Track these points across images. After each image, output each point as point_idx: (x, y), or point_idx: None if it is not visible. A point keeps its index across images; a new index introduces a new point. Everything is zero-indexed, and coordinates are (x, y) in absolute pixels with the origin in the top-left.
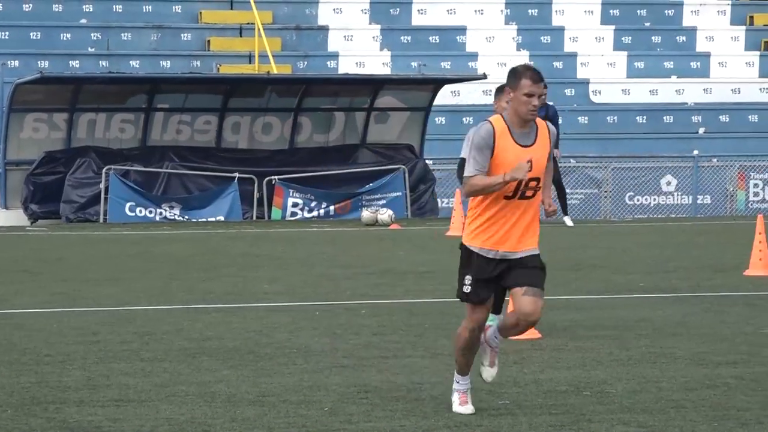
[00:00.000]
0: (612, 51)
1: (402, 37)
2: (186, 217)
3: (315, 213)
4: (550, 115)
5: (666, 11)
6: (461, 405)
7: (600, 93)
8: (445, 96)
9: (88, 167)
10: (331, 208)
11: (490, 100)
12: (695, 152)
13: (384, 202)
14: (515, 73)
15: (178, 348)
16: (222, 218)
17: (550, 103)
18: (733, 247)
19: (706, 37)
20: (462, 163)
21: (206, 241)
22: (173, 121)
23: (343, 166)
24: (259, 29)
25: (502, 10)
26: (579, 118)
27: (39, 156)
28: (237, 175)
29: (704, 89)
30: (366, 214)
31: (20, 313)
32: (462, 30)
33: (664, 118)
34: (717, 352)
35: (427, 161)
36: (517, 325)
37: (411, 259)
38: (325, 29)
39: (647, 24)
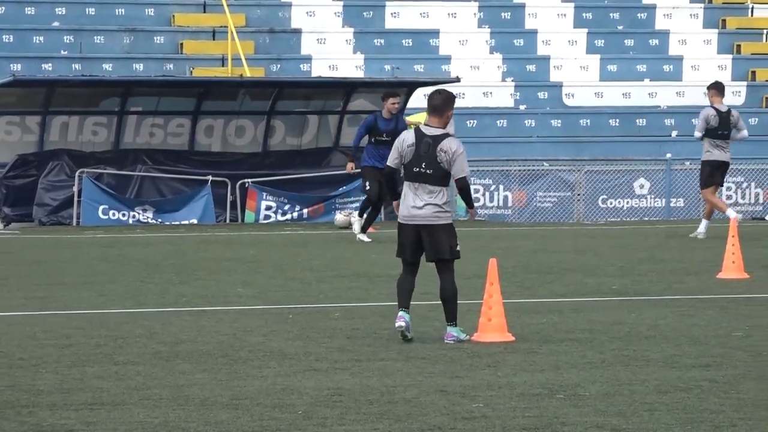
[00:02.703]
0: (585, 54)
1: (375, 40)
2: (159, 220)
3: (288, 216)
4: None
5: (639, 14)
6: None
7: (573, 96)
8: (418, 99)
9: (61, 170)
10: (305, 211)
11: (463, 103)
12: (668, 155)
13: (357, 205)
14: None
15: (151, 351)
16: (195, 221)
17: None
18: (706, 250)
19: (679, 41)
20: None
21: (179, 245)
22: (146, 124)
23: (316, 169)
24: (232, 32)
25: (475, 14)
26: (552, 121)
27: (12, 159)
28: (210, 178)
29: (677, 92)
30: (339, 217)
31: None
32: (435, 33)
33: (637, 121)
34: (690, 355)
35: None
36: None
37: (384, 262)
38: (298, 32)
39: (620, 27)
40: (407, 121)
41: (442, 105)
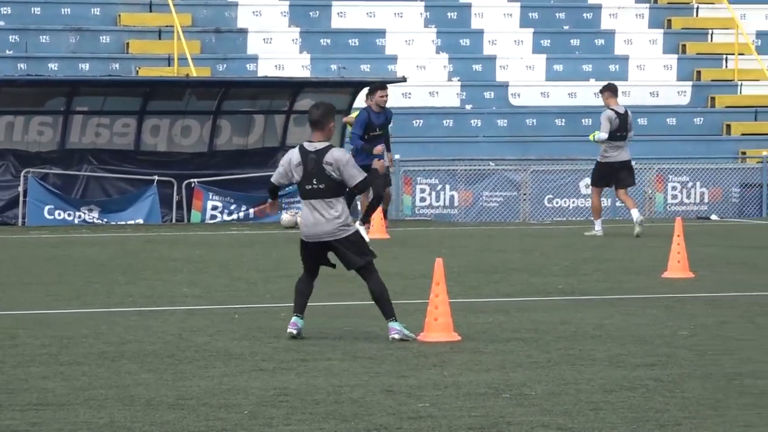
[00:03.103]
0: (531, 54)
1: (321, 40)
2: (105, 220)
3: (234, 216)
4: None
5: (584, 14)
6: None
7: (519, 96)
8: (364, 99)
9: (6, 170)
10: (251, 210)
11: (409, 103)
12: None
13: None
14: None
15: (97, 352)
16: (141, 221)
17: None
18: (651, 249)
19: (625, 41)
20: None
21: (125, 245)
22: (92, 124)
23: (262, 168)
24: (178, 32)
25: (421, 13)
26: (498, 120)
27: None
28: (156, 178)
29: (623, 92)
30: (286, 216)
31: None
32: (381, 33)
33: (583, 120)
34: (635, 354)
35: None
36: None
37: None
38: (244, 32)
39: (566, 27)
40: (344, 121)
41: (321, 118)
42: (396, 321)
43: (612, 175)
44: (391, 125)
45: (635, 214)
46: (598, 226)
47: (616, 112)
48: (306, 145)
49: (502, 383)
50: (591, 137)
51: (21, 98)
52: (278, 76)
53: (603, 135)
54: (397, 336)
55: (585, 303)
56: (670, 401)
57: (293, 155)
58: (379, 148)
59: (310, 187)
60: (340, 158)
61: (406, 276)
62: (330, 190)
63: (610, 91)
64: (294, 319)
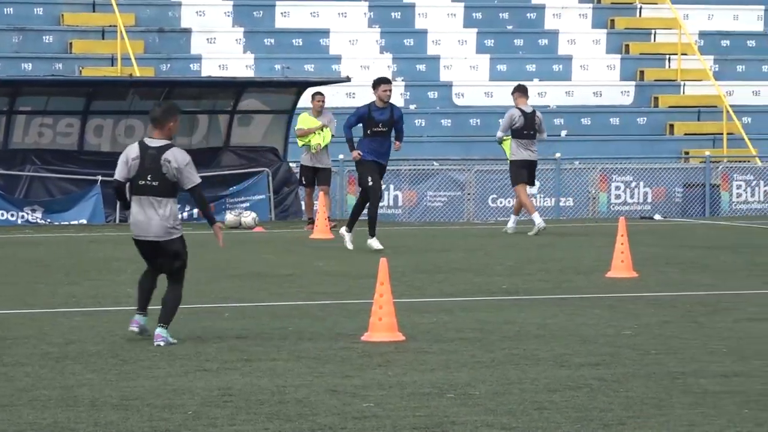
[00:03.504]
0: (475, 54)
1: (265, 40)
2: (48, 220)
3: (179, 216)
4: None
5: (528, 14)
6: None
7: (463, 96)
8: (308, 99)
9: None
10: (195, 211)
11: (353, 102)
12: (557, 155)
13: (248, 204)
14: None
15: (40, 352)
16: (85, 221)
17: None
18: (595, 249)
19: (568, 41)
20: None
21: (69, 245)
22: (35, 124)
23: (206, 168)
24: (121, 31)
25: (365, 13)
26: (442, 120)
27: None
28: (100, 178)
29: (566, 92)
30: (230, 216)
31: None
32: (325, 33)
33: None
34: (579, 353)
35: (290, 164)
36: None
37: (274, 261)
38: (188, 32)
39: (509, 27)
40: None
41: (161, 117)
42: (166, 329)
43: (522, 172)
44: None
45: (537, 219)
46: (537, 219)
47: (523, 111)
48: (146, 140)
49: (447, 383)
50: (500, 140)
51: None
52: (222, 76)
53: (499, 133)
54: (162, 343)
55: (529, 303)
56: (614, 400)
57: (131, 149)
58: (355, 155)
59: (143, 182)
60: (181, 158)
61: (351, 276)
62: (163, 188)
63: (519, 91)
64: (136, 316)
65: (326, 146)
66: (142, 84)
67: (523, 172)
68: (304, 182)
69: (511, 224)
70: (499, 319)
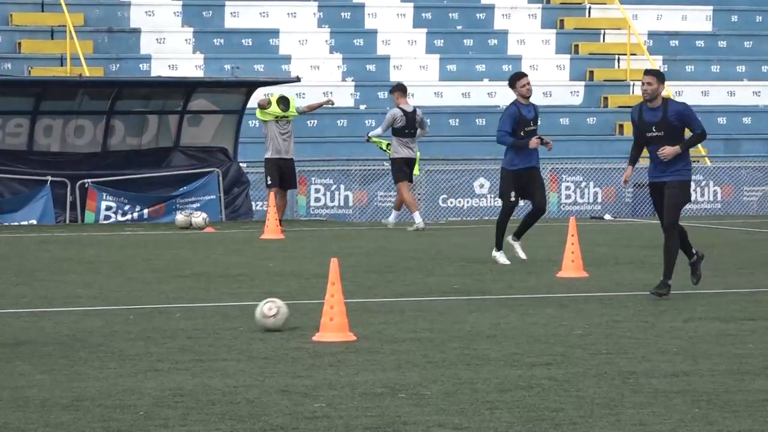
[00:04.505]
0: (425, 54)
1: (215, 40)
2: None
3: (129, 216)
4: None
5: (477, 15)
6: None
7: (413, 96)
8: (258, 99)
9: None
10: (145, 211)
11: (303, 102)
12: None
13: (198, 205)
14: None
15: None
16: (35, 222)
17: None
18: (546, 248)
19: (518, 41)
20: None
21: (18, 245)
22: None
23: (156, 169)
24: (70, 31)
25: (314, 14)
26: None
27: None
28: (50, 178)
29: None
30: (180, 217)
31: None
32: (275, 33)
33: (477, 120)
34: (531, 353)
35: (241, 164)
36: None
37: (225, 261)
38: (137, 32)
39: (459, 27)
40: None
41: None
42: None
43: (402, 170)
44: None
45: (417, 218)
46: (418, 219)
47: (404, 111)
48: None
49: (398, 383)
50: (368, 138)
51: None
52: (171, 76)
53: (377, 131)
54: None
55: (480, 303)
56: (565, 400)
57: None
58: (534, 141)
59: None
60: None
61: (302, 276)
62: None
63: (400, 90)
64: None
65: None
66: (91, 84)
67: (406, 170)
68: (270, 182)
69: (392, 219)
70: (451, 319)
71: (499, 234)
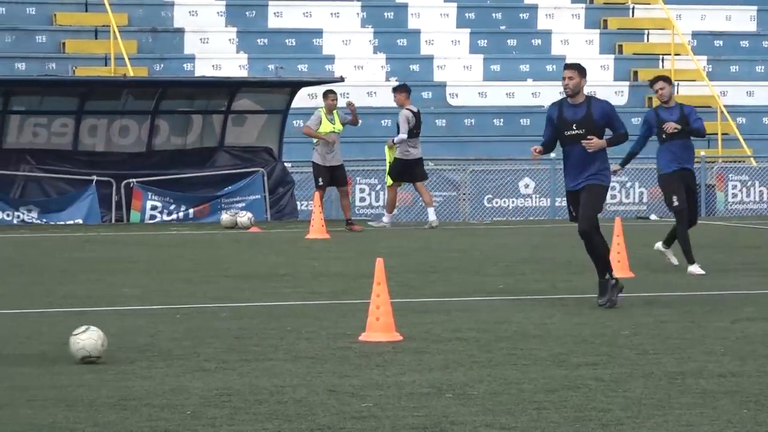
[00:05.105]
0: (468, 54)
1: (258, 40)
2: (44, 220)
3: (174, 216)
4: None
5: (521, 15)
6: None
7: (457, 96)
8: (302, 99)
9: None
10: (190, 211)
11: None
12: (552, 155)
13: (243, 204)
14: None
15: (37, 352)
16: (80, 221)
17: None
18: None
19: (561, 41)
20: None
21: (64, 244)
22: (29, 124)
23: (201, 168)
24: (114, 31)
25: (358, 13)
26: (436, 120)
27: None
28: (95, 178)
29: (560, 92)
30: (225, 217)
31: None
32: (318, 33)
33: (521, 120)
34: (577, 353)
35: (285, 164)
36: None
37: (270, 261)
38: (181, 31)
39: (503, 27)
40: (387, 145)
41: None
42: None
43: (408, 171)
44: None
45: (431, 214)
46: (387, 219)
47: (412, 112)
48: None
49: (445, 383)
50: (389, 145)
51: None
52: (215, 76)
53: (403, 135)
54: None
55: (526, 303)
56: (612, 401)
57: None
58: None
59: None
60: None
61: (347, 276)
62: None
63: (406, 91)
64: None
65: (339, 138)
66: (136, 84)
67: (416, 171)
68: (321, 183)
69: (386, 219)
70: (496, 318)
71: (684, 246)
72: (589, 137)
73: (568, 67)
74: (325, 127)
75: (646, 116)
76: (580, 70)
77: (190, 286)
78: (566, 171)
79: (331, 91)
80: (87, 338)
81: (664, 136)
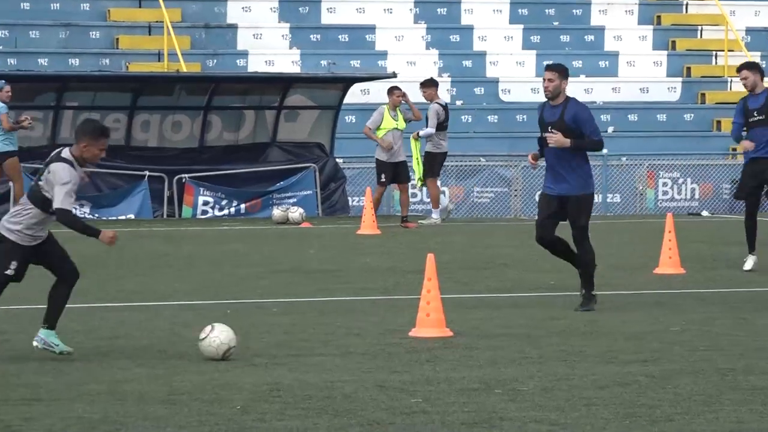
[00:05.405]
0: (521, 50)
1: (311, 36)
2: (96, 215)
3: (226, 211)
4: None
5: (574, 11)
6: None
7: (509, 92)
8: (354, 94)
9: None
10: (242, 206)
11: None
12: (604, 151)
13: (295, 200)
14: None
15: (89, 346)
16: (132, 216)
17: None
18: (643, 245)
19: (614, 37)
20: None
21: (117, 240)
22: (82, 119)
23: (253, 164)
24: (167, 27)
25: (411, 9)
26: (489, 116)
27: None
28: (147, 173)
29: (613, 88)
30: (277, 212)
31: None
32: (371, 29)
33: None
34: (627, 350)
35: (337, 160)
36: None
37: (322, 257)
38: (234, 27)
39: (555, 23)
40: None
41: (76, 133)
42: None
43: (439, 164)
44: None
45: (436, 214)
46: (436, 215)
47: (441, 105)
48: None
49: (495, 379)
50: (415, 137)
51: (11, 93)
52: (268, 71)
53: (431, 130)
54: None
55: (577, 299)
56: (662, 397)
57: None
58: (746, 144)
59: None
60: (57, 173)
61: (398, 271)
62: (31, 196)
63: (435, 86)
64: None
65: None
66: (188, 80)
67: (441, 165)
68: (383, 179)
69: (436, 216)
70: (547, 315)
71: (747, 234)
72: (552, 131)
73: (549, 68)
74: (388, 123)
75: (737, 106)
76: (560, 72)
77: (241, 281)
78: (546, 172)
79: (396, 87)
80: (218, 333)
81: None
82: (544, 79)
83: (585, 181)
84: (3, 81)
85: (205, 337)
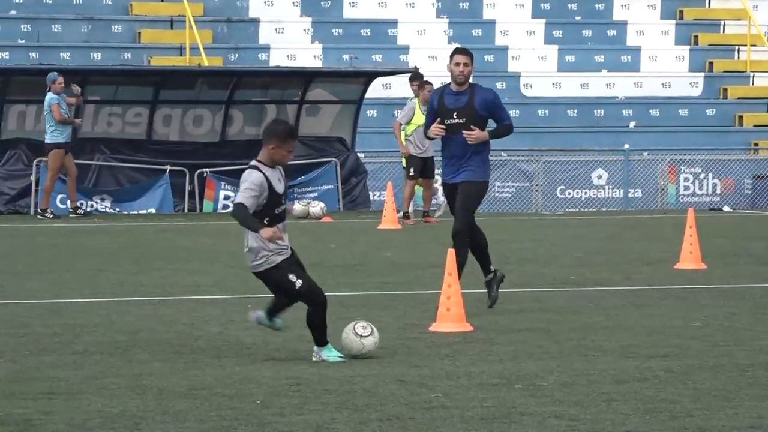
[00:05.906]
0: (543, 45)
1: (333, 30)
2: (117, 209)
3: None
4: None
5: (596, 5)
6: None
7: (531, 87)
8: (376, 89)
9: (18, 159)
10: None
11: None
12: (626, 146)
13: (316, 194)
14: None
15: (109, 341)
16: (153, 210)
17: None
18: (664, 240)
19: (637, 31)
20: None
21: (137, 234)
22: (104, 113)
23: None
24: (189, 21)
25: (433, 3)
26: (510, 111)
27: None
28: (168, 167)
29: (635, 83)
30: (298, 206)
31: None
32: (393, 23)
33: (595, 111)
34: (647, 345)
35: (359, 154)
36: None
37: (342, 252)
38: (256, 21)
39: (578, 18)
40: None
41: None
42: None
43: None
44: None
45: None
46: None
47: None
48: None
49: (515, 374)
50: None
51: (33, 87)
52: (290, 65)
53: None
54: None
55: (597, 294)
56: (682, 392)
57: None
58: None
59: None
60: (242, 177)
61: (418, 266)
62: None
63: (430, 83)
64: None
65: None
66: (210, 74)
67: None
68: (412, 173)
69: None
70: (567, 310)
71: None
72: (471, 127)
73: (463, 52)
74: (419, 118)
75: None
76: (472, 58)
77: None
78: (444, 161)
79: (428, 82)
80: (371, 343)
81: None
82: (458, 63)
83: (481, 167)
84: (56, 73)
85: (360, 336)
